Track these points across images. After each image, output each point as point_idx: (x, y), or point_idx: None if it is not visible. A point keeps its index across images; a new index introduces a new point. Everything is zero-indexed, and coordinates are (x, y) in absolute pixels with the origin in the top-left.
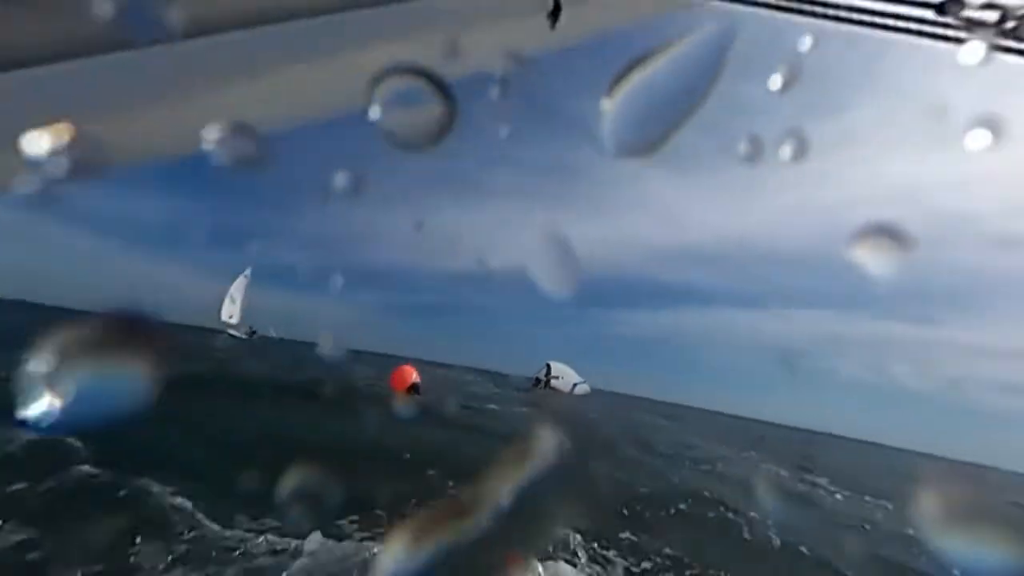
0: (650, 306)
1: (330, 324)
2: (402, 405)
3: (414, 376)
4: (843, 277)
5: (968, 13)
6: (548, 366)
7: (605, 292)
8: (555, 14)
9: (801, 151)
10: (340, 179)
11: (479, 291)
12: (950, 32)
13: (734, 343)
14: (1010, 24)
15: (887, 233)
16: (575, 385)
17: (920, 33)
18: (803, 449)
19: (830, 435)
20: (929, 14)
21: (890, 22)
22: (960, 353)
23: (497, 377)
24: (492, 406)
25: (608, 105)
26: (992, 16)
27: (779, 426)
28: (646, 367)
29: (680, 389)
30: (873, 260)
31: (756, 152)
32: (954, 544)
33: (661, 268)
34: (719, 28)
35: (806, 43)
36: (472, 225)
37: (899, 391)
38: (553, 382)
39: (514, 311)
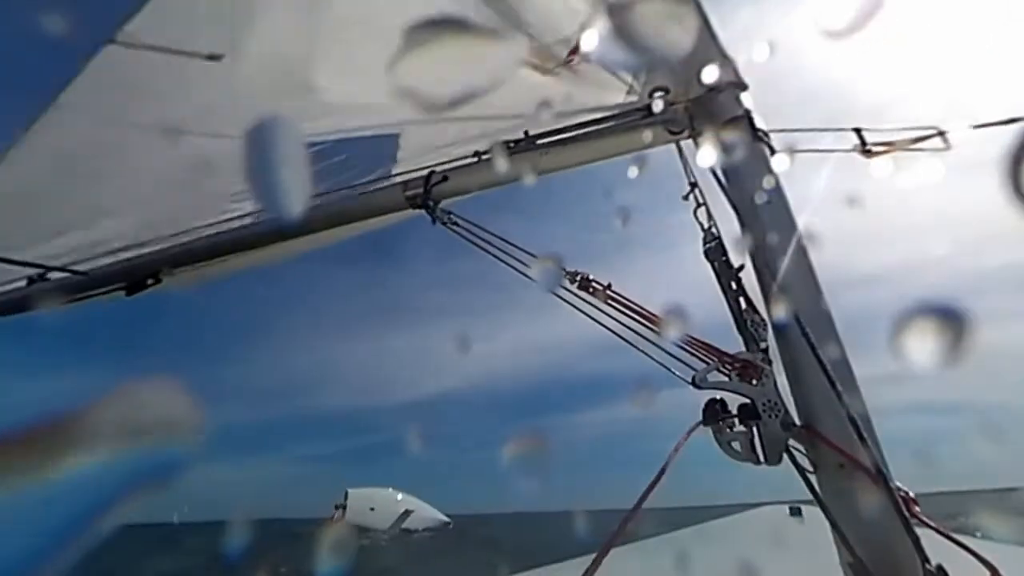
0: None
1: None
2: None
3: None
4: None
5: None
6: (346, 494)
7: (549, 397)
8: None
9: None
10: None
11: (434, 420)
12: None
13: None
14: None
15: None
16: (406, 513)
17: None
18: None
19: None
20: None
21: None
22: None
23: None
24: None
25: None
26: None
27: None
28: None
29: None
30: None
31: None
32: None
33: (592, 361)
34: None
35: None
36: (408, 350)
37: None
38: (350, 515)
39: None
